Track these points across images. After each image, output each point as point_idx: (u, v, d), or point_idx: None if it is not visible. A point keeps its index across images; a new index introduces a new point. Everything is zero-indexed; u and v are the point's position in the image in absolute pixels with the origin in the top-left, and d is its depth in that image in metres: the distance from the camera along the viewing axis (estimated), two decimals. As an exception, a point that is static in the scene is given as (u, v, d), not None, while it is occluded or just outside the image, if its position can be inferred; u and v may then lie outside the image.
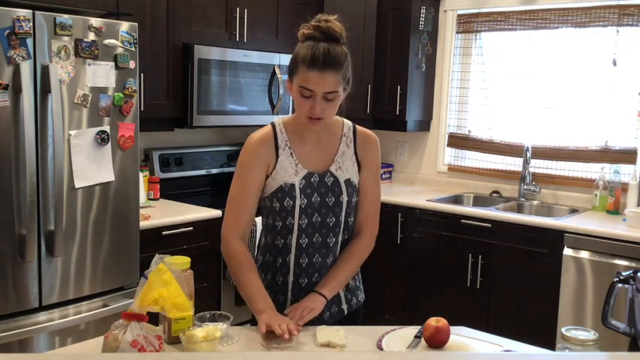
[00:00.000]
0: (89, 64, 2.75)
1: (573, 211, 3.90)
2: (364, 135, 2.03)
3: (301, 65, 1.81)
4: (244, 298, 1.91)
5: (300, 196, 1.90)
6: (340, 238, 1.99)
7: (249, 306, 1.89)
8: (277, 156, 1.92)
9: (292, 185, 1.90)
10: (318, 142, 1.97)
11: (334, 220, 1.96)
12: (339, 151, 1.98)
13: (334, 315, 2.00)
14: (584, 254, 3.38)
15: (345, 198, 1.95)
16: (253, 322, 2.02)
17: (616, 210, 3.76)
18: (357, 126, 2.05)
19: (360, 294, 2.09)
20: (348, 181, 1.96)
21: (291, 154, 1.93)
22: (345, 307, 2.02)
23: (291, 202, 1.90)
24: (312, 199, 1.92)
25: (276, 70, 3.97)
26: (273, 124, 1.97)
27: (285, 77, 4.02)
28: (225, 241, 1.94)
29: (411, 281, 4.07)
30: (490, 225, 3.72)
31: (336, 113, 1.94)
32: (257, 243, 2.18)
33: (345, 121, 2.04)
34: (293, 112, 4.09)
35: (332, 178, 1.95)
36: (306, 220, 1.93)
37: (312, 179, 1.93)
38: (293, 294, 1.97)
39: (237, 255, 1.92)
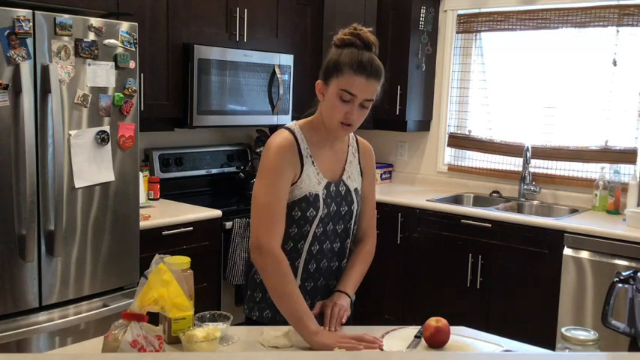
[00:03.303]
0: (89, 64, 2.75)
1: (573, 211, 3.90)
2: (364, 145, 2.09)
3: (347, 69, 1.81)
4: (289, 314, 1.80)
5: (323, 207, 1.91)
6: (347, 245, 2.02)
7: (297, 324, 1.78)
8: (302, 164, 1.90)
9: (317, 195, 1.90)
10: (332, 150, 1.98)
11: (343, 227, 1.98)
12: (347, 160, 2.02)
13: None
14: (584, 254, 3.38)
15: (355, 206, 1.99)
16: (246, 321, 2.02)
17: (616, 210, 3.76)
18: (357, 136, 2.10)
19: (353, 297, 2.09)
20: (356, 190, 2.01)
21: (313, 162, 1.92)
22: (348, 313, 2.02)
23: (314, 213, 1.90)
24: (331, 209, 1.94)
25: (276, 70, 3.97)
26: (291, 131, 1.92)
27: (285, 77, 4.04)
28: (265, 249, 1.82)
29: (411, 281, 4.07)
30: (490, 225, 3.72)
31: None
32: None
33: None
34: (294, 112, 4.12)
35: (344, 187, 1.98)
36: (322, 229, 1.93)
37: (330, 189, 1.94)
38: None
39: (283, 265, 1.83)
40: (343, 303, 1.92)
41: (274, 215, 1.85)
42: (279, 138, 1.90)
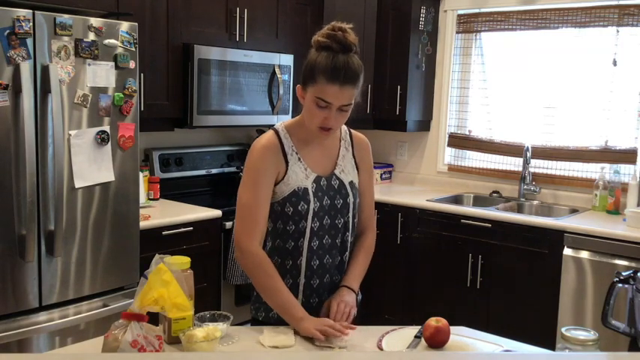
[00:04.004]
0: (89, 64, 2.75)
1: (573, 211, 3.90)
2: (359, 138, 2.09)
3: (320, 77, 1.81)
4: (276, 306, 1.89)
5: (314, 200, 1.93)
6: (347, 239, 2.02)
7: (284, 314, 1.86)
8: (287, 162, 1.93)
9: (305, 189, 1.92)
10: (321, 146, 2.00)
11: (342, 221, 1.99)
12: (339, 154, 2.03)
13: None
14: (584, 254, 3.38)
15: (351, 199, 2.00)
16: (253, 322, 2.03)
17: (616, 210, 3.76)
18: (351, 129, 2.10)
19: (360, 294, 2.09)
20: (351, 183, 2.01)
21: (299, 159, 1.95)
22: (355, 312, 2.02)
23: (306, 206, 1.92)
24: (324, 202, 1.95)
25: (276, 70, 3.97)
26: (276, 130, 1.97)
27: (285, 77, 4.04)
28: (245, 249, 1.89)
29: (411, 281, 4.07)
30: (490, 225, 3.72)
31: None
32: None
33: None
34: (294, 112, 4.11)
35: (338, 181, 1.99)
36: (318, 223, 1.95)
37: (321, 182, 1.96)
38: (305, 295, 1.98)
39: (263, 262, 1.89)
40: (349, 299, 1.93)
41: (254, 216, 1.90)
42: (263, 139, 1.95)
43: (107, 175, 2.86)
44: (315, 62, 1.83)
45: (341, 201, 1.98)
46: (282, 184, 1.92)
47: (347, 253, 2.04)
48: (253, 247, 1.89)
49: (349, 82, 1.82)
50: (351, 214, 2.00)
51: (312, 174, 1.95)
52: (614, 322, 2.06)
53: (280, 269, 1.96)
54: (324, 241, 1.97)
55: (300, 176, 1.93)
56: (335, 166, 2.00)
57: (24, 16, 2.52)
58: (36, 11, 2.57)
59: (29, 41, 2.55)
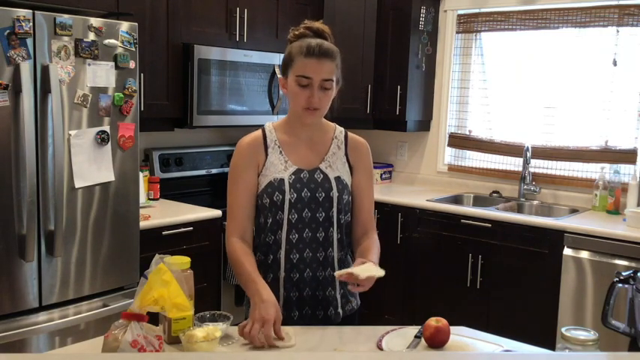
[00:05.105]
0: (89, 64, 2.75)
1: (573, 211, 3.90)
2: (355, 140, 2.10)
3: (297, 56, 1.90)
4: (243, 281, 1.93)
5: (290, 191, 1.95)
6: (332, 235, 2.00)
7: (247, 287, 1.90)
8: (266, 154, 1.98)
9: (281, 180, 1.95)
10: (309, 141, 2.03)
11: (324, 215, 1.98)
12: (329, 151, 2.04)
13: (331, 317, 2.00)
14: (584, 254, 3.38)
15: (335, 194, 1.98)
16: None
17: (616, 210, 3.76)
18: (349, 132, 2.12)
19: (355, 300, 2.09)
20: (338, 178, 2.01)
21: (281, 151, 1.99)
22: (340, 311, 2.02)
23: (281, 197, 1.94)
24: (302, 194, 1.96)
25: (276, 70, 3.97)
26: (262, 128, 2.05)
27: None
28: (226, 244, 1.99)
29: (411, 281, 4.07)
30: (490, 225, 3.72)
31: (332, 113, 2.02)
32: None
33: (337, 126, 2.12)
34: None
35: (322, 175, 1.99)
36: (296, 215, 1.96)
37: (301, 175, 1.98)
38: (285, 289, 1.99)
39: (233, 252, 1.96)
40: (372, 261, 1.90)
41: (233, 211, 1.99)
42: (247, 137, 2.05)
43: (107, 175, 2.86)
44: (291, 49, 1.94)
45: (323, 194, 1.97)
46: (261, 176, 1.98)
47: (331, 249, 2.00)
48: (229, 242, 1.97)
49: (325, 56, 1.90)
50: (335, 209, 1.99)
51: (293, 166, 1.98)
52: (614, 322, 2.07)
53: (263, 265, 1.99)
54: (304, 235, 1.97)
55: (279, 167, 1.97)
56: (322, 161, 2.01)
57: (24, 16, 2.52)
58: (36, 11, 2.57)
59: (29, 41, 2.55)
